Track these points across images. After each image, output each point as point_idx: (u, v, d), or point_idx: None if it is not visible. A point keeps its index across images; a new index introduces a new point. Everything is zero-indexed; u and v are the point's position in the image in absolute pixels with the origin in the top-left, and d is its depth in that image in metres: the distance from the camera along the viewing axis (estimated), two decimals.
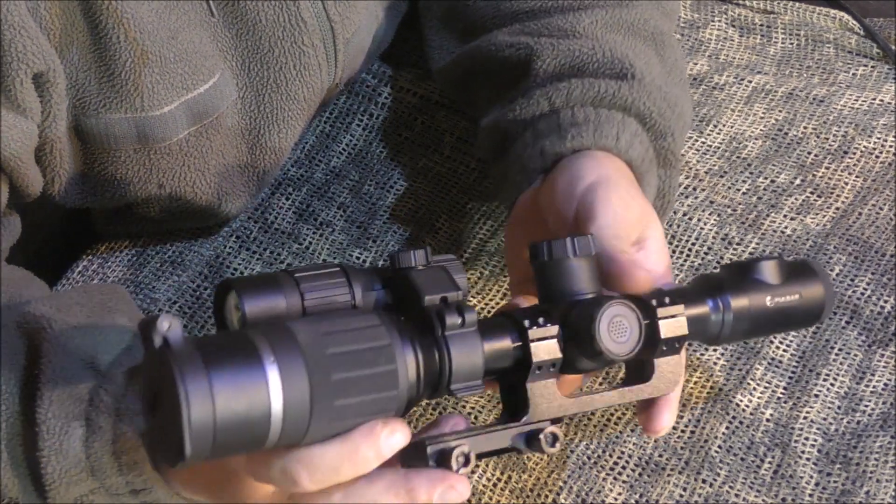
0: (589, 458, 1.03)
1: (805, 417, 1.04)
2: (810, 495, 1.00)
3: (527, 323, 0.81)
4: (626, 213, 0.90)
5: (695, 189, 1.18)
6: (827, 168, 1.19)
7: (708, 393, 1.05)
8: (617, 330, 0.82)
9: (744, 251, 1.13)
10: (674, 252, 1.13)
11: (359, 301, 0.80)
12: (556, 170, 0.96)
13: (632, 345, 0.83)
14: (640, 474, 1.02)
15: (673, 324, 0.84)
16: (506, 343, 0.82)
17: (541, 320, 0.82)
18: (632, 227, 0.90)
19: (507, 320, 0.82)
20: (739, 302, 0.87)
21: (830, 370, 1.06)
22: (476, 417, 1.04)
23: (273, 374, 0.74)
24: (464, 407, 1.05)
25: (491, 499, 1.00)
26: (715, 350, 1.07)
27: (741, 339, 0.95)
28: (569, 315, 0.83)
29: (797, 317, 0.89)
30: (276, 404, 0.73)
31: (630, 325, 0.83)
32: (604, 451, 1.03)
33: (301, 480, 0.76)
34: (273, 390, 0.73)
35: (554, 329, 0.82)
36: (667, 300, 0.84)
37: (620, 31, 1.05)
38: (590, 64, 1.02)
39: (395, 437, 0.77)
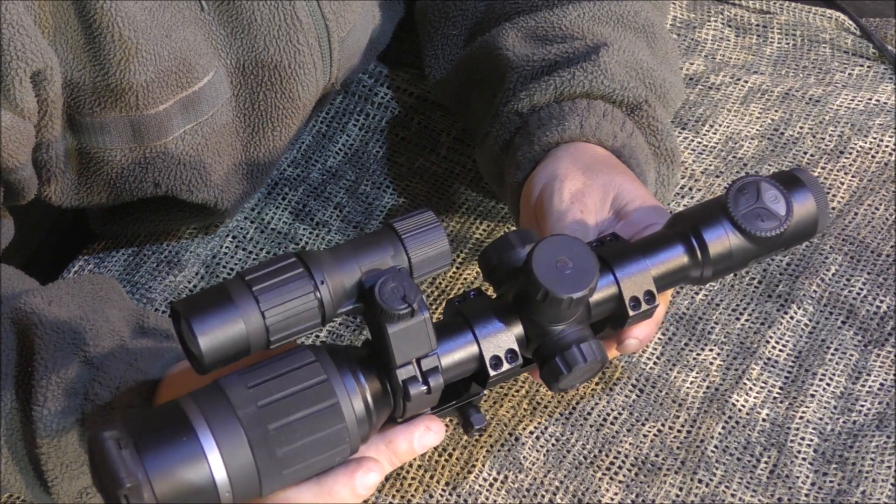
0: (585, 458, 1.02)
1: (801, 417, 1.04)
2: (806, 495, 1.00)
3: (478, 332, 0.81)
4: (573, 203, 0.93)
5: (691, 189, 1.18)
6: (823, 168, 1.19)
7: (704, 393, 1.05)
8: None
9: None
10: None
11: (325, 296, 0.76)
12: (525, 185, 0.99)
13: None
14: (636, 474, 1.02)
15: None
16: (465, 360, 0.82)
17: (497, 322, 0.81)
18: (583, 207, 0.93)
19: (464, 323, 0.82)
20: (717, 243, 0.85)
21: (826, 370, 1.06)
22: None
23: (209, 444, 0.73)
24: None
25: (487, 499, 1.00)
26: (711, 350, 1.07)
27: (728, 274, 0.92)
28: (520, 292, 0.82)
29: (789, 239, 0.86)
30: (220, 474, 0.73)
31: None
32: (600, 451, 1.03)
33: None
34: (213, 461, 0.73)
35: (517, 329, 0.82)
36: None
37: (609, 24, 1.06)
38: (563, 62, 1.04)
39: (369, 476, 0.79)
